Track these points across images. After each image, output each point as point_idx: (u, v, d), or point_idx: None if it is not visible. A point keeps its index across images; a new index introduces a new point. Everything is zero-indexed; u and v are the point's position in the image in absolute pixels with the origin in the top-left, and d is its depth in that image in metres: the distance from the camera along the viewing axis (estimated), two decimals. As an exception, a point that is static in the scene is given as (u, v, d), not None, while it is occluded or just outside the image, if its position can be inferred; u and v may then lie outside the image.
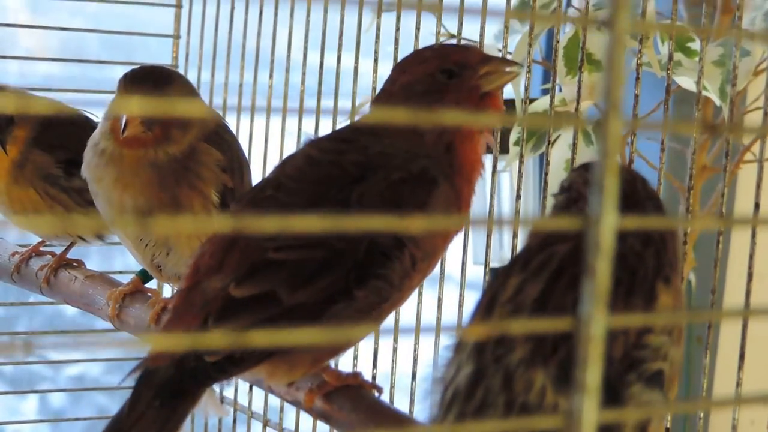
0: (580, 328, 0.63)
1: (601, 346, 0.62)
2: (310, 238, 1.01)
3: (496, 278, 0.92)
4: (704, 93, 1.45)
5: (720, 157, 1.57)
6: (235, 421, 1.56)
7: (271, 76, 1.51)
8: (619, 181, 0.62)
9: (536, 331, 0.83)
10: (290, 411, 1.48)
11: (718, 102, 1.43)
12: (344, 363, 1.23)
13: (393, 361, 1.33)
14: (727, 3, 1.52)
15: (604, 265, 0.62)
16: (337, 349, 1.07)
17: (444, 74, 1.06)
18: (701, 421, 1.09)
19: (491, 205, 1.32)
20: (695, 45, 1.48)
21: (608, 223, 0.61)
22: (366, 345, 1.32)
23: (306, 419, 1.43)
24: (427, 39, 1.40)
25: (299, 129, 1.48)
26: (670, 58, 1.14)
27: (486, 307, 0.90)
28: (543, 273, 0.89)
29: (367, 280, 1.02)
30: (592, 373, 0.63)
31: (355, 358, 1.34)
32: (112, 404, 3.04)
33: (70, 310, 2.83)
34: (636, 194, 0.92)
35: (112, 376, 3.09)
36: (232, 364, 1.01)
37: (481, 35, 1.29)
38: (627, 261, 0.88)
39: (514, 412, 0.84)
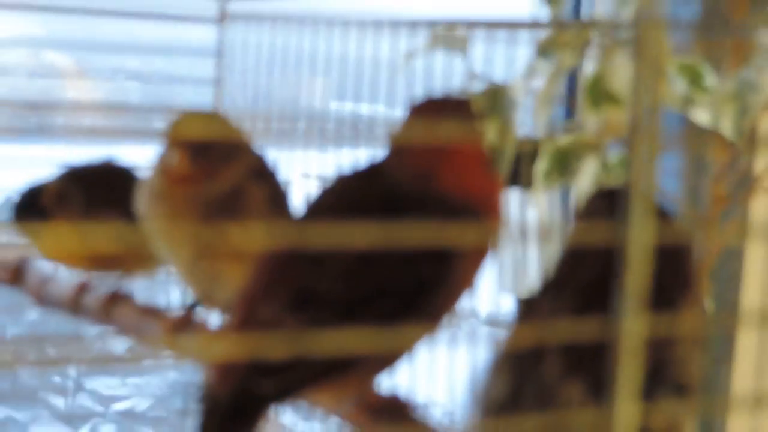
0: (615, 332, 0.63)
1: (638, 347, 0.63)
2: (356, 273, 1.02)
3: (528, 303, 0.92)
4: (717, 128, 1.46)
5: (733, 189, 1.57)
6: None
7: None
8: (650, 193, 0.62)
9: (572, 340, 0.83)
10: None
11: (731, 136, 1.43)
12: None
13: (429, 382, 1.33)
14: (737, 43, 1.53)
15: (637, 274, 0.62)
16: (385, 367, 1.07)
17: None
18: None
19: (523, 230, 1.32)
20: (709, 81, 1.49)
21: (640, 228, 0.62)
22: (403, 370, 1.32)
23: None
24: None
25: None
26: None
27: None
28: (573, 296, 0.89)
29: (412, 313, 1.03)
30: (627, 374, 0.63)
31: (393, 383, 1.33)
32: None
33: (118, 348, 2.86)
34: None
35: (157, 410, 3.11)
36: (286, 391, 1.01)
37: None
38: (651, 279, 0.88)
39: (549, 425, 0.84)
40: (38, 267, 1.60)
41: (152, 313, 1.42)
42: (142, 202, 1.30)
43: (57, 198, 1.50)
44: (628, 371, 0.63)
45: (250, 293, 1.05)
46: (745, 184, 1.56)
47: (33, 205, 1.50)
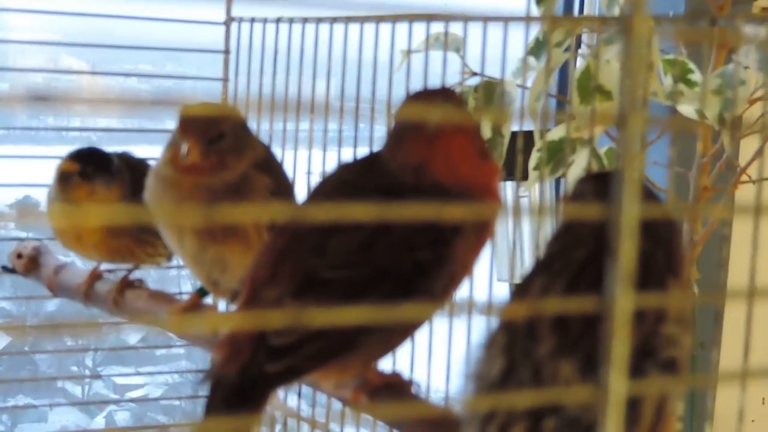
0: (607, 306, 0.62)
1: (627, 322, 0.61)
2: (357, 257, 1.01)
3: (521, 282, 0.91)
4: (704, 119, 1.45)
5: (719, 179, 1.56)
6: (285, 424, 1.54)
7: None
8: (639, 172, 0.62)
9: (565, 315, 0.82)
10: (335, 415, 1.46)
11: (716, 127, 1.42)
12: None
13: (428, 366, 1.32)
14: (722, 37, 1.51)
15: (627, 248, 0.61)
16: (386, 351, 1.06)
17: (404, 125, 1.05)
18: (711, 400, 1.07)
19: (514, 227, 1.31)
20: (695, 76, 1.48)
21: (630, 207, 0.61)
22: (404, 353, 1.30)
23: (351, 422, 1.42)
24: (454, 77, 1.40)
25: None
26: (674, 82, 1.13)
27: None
28: (565, 274, 0.88)
29: (412, 294, 1.01)
30: (618, 348, 0.62)
31: (394, 365, 1.32)
32: (172, 422, 3.04)
33: (132, 339, 2.85)
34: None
35: (170, 397, 3.09)
36: (291, 372, 1.00)
37: (503, 71, 1.29)
38: (641, 260, 0.87)
39: (542, 401, 0.83)
40: (52, 257, 1.59)
41: (162, 298, 1.41)
42: (151, 190, 1.29)
43: (116, 169, 1.47)
44: (620, 346, 0.61)
45: (255, 278, 1.04)
46: (731, 174, 1.55)
47: (103, 166, 1.47)
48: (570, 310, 0.80)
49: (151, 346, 2.42)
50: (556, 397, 0.76)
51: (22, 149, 1.91)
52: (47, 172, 1.57)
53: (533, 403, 0.77)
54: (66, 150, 1.54)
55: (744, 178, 1.55)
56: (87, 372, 3.16)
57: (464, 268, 1.05)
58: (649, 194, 0.89)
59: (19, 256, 1.58)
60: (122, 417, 3.18)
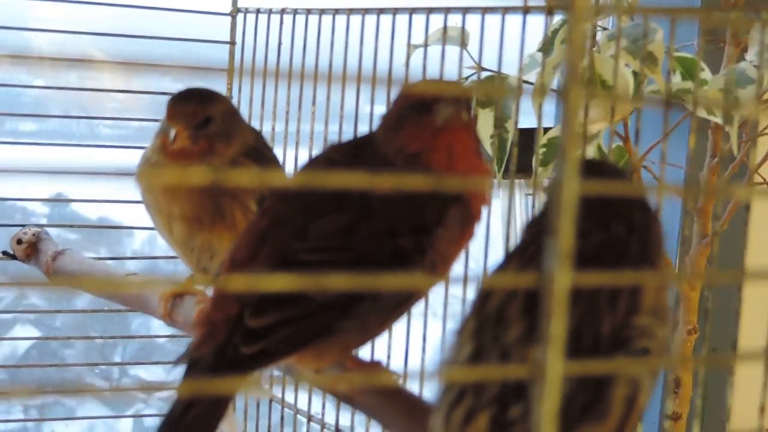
0: (545, 284, 0.60)
1: (565, 300, 0.60)
2: (337, 242, 1.00)
3: (497, 266, 0.90)
4: (713, 118, 1.42)
5: (733, 180, 1.53)
6: (282, 418, 1.54)
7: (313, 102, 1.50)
8: (582, 152, 0.60)
9: (535, 301, 0.81)
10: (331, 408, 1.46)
11: (726, 127, 1.40)
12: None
13: (406, 353, 1.31)
14: (735, 36, 1.49)
15: (566, 225, 0.60)
16: (363, 339, 1.05)
17: (408, 110, 1.04)
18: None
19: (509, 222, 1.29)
20: (705, 74, 1.45)
21: (569, 184, 0.59)
22: (382, 343, 1.29)
23: (345, 416, 1.41)
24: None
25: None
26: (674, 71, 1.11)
27: (487, 291, 0.88)
28: (538, 258, 0.86)
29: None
30: (556, 326, 0.61)
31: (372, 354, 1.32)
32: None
33: (161, 338, 2.85)
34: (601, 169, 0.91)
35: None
36: (266, 355, 0.99)
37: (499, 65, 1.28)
38: (613, 247, 0.86)
39: (510, 385, 0.82)
40: (51, 243, 1.59)
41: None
42: (141, 175, 1.29)
43: None
44: (557, 324, 0.60)
45: (234, 258, 1.03)
46: (742, 174, 1.53)
47: None
48: (510, 285, 0.79)
49: (153, 335, 2.43)
50: (492, 374, 0.75)
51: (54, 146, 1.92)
52: (79, 168, 1.58)
53: (473, 379, 0.76)
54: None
55: (758, 179, 1.53)
56: (115, 369, 3.17)
57: (446, 260, 1.04)
58: (618, 175, 0.88)
59: (19, 242, 1.58)
60: (150, 414, 3.18)
